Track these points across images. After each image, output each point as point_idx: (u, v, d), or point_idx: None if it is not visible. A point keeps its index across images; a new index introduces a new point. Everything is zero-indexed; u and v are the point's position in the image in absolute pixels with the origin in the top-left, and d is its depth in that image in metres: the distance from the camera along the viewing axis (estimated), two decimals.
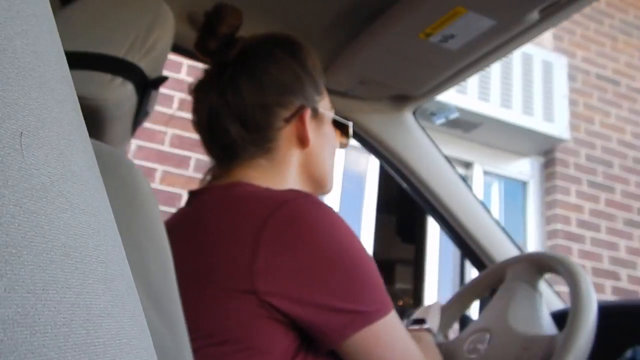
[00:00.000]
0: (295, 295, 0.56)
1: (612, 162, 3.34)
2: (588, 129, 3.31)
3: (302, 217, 0.58)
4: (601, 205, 3.21)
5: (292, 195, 0.61)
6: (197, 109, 0.73)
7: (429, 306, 0.94)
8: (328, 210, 0.61)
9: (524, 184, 3.20)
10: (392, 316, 0.61)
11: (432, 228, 2.90)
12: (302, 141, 0.72)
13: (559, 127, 3.11)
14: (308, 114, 0.72)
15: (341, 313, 0.57)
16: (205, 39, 0.73)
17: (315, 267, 0.57)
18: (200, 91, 0.73)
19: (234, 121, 0.69)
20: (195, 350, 0.48)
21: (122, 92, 0.53)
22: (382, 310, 0.60)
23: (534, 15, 0.82)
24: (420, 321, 0.88)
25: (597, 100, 3.39)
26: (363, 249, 0.62)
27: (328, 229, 0.59)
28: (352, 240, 0.61)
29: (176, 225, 0.65)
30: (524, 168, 3.20)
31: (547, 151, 3.21)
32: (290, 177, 0.73)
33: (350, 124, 0.82)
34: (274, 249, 0.56)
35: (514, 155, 3.18)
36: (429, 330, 0.86)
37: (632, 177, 3.36)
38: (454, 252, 2.87)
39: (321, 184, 0.77)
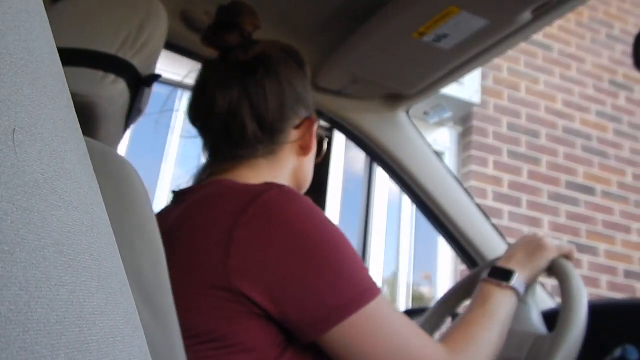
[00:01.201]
0: (268, 291, 0.55)
1: (539, 131, 3.06)
2: (512, 96, 3.05)
3: (274, 211, 0.58)
4: (523, 178, 2.93)
5: (266, 188, 0.60)
6: (211, 103, 0.71)
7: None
8: (302, 200, 0.61)
9: (439, 156, 3.06)
10: (376, 303, 0.58)
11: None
12: (304, 149, 0.76)
13: (468, 90, 2.79)
14: (316, 125, 0.77)
15: (316, 308, 0.56)
16: (224, 32, 0.74)
17: (287, 262, 0.56)
18: (219, 85, 0.72)
19: (252, 120, 0.70)
20: (185, 348, 0.48)
21: (115, 89, 0.53)
22: (361, 300, 0.57)
23: (527, 15, 0.82)
24: (508, 274, 0.75)
25: (525, 66, 3.14)
26: (338, 239, 0.60)
27: (301, 222, 0.58)
28: (326, 230, 0.60)
29: (168, 226, 0.65)
30: (442, 138, 2.93)
31: (464, 119, 2.94)
32: (280, 180, 0.74)
33: (326, 140, 0.84)
34: (247, 245, 0.56)
35: (432, 126, 2.92)
36: (513, 289, 0.73)
37: (561, 148, 3.08)
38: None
39: (301, 190, 0.80)
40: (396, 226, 2.91)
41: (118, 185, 0.45)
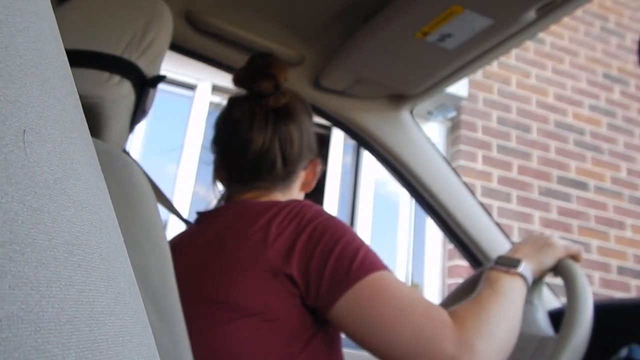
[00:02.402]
0: (298, 266, 0.67)
1: (530, 126, 3.02)
2: (502, 90, 3.01)
3: (303, 212, 0.72)
4: (513, 173, 2.88)
5: (293, 200, 0.75)
6: (246, 140, 0.83)
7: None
8: (320, 207, 0.75)
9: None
10: (382, 274, 0.67)
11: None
12: (305, 186, 0.90)
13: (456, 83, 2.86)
14: (319, 165, 0.91)
15: (331, 278, 0.66)
16: (260, 80, 0.85)
17: (311, 245, 0.68)
18: (255, 126, 0.84)
19: (280, 158, 0.84)
20: (229, 321, 0.64)
21: (120, 90, 0.53)
22: (367, 269, 0.66)
23: (531, 14, 0.82)
24: (515, 261, 0.75)
25: (516, 59, 3.09)
26: (350, 230, 0.72)
27: (321, 217, 0.72)
28: (340, 223, 0.72)
29: (187, 240, 0.80)
30: (431, 132, 2.88)
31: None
32: None
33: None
34: (281, 234, 0.69)
35: (420, 120, 2.86)
36: (521, 276, 0.73)
37: (552, 142, 3.04)
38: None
39: None
40: (394, 227, 2.91)
41: (123, 185, 0.45)
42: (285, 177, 0.85)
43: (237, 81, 0.89)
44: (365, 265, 0.67)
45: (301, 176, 0.88)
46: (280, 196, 0.85)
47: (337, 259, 0.67)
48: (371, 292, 0.65)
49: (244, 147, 0.83)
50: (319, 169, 0.91)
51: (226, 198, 0.88)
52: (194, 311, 0.63)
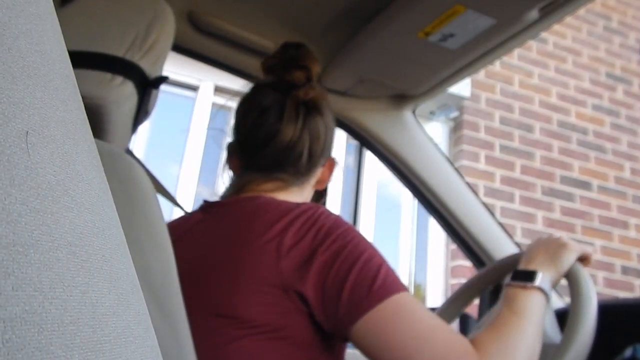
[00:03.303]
0: (314, 284, 0.64)
1: (533, 125, 3.00)
2: (505, 90, 2.99)
3: (321, 221, 0.69)
4: (516, 173, 2.86)
5: (314, 205, 0.72)
6: (274, 131, 0.80)
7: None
8: (338, 216, 0.72)
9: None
10: (402, 296, 0.65)
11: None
12: (320, 183, 0.88)
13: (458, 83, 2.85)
14: (335, 164, 0.89)
15: (350, 298, 0.63)
16: (295, 70, 0.83)
17: (329, 260, 0.65)
18: (285, 117, 0.81)
19: (307, 152, 0.81)
20: (238, 338, 0.62)
21: (122, 91, 0.53)
22: (387, 291, 0.64)
23: (534, 13, 0.82)
24: (531, 274, 0.74)
25: (519, 59, 3.08)
26: (369, 244, 0.68)
27: (340, 228, 0.68)
28: (359, 237, 0.69)
29: (188, 228, 0.76)
30: (433, 132, 2.85)
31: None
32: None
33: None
34: (295, 249, 0.65)
35: (423, 120, 2.84)
36: (540, 289, 0.72)
37: (555, 142, 3.02)
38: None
39: None
40: (397, 226, 2.91)
41: (125, 186, 0.45)
42: (306, 172, 0.83)
43: (267, 69, 0.86)
44: (387, 285, 0.64)
45: (319, 173, 0.87)
46: (297, 191, 0.83)
47: (357, 278, 0.64)
48: (392, 315, 0.63)
49: (271, 137, 0.80)
50: (335, 167, 0.89)
51: (238, 187, 0.83)
52: (201, 324, 0.61)
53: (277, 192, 0.80)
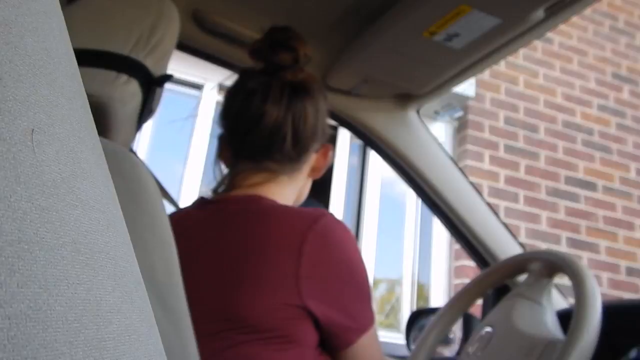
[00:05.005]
0: (326, 299, 0.68)
1: (538, 126, 2.98)
2: (510, 90, 2.97)
3: (333, 234, 0.70)
4: (521, 173, 2.85)
5: (321, 212, 0.72)
6: (259, 114, 0.78)
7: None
8: (348, 229, 0.73)
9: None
10: (375, 328, 0.73)
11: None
12: (315, 171, 0.85)
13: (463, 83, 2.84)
14: (330, 150, 0.86)
15: (352, 320, 0.70)
16: (280, 51, 0.81)
17: (337, 282, 0.69)
18: (269, 99, 0.78)
19: (291, 136, 0.78)
20: (246, 342, 0.63)
21: (127, 89, 0.53)
22: (371, 322, 0.72)
23: (539, 13, 0.82)
24: None
25: (524, 59, 3.05)
26: (365, 270, 0.73)
27: (351, 249, 0.72)
28: (362, 262, 0.73)
29: (188, 226, 0.74)
30: (437, 132, 2.83)
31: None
32: (292, 197, 0.83)
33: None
34: (313, 259, 0.68)
35: (427, 119, 2.78)
36: None
37: (560, 142, 3.00)
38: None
39: (297, 204, 0.88)
40: (400, 226, 2.91)
41: (130, 184, 0.45)
42: (295, 157, 0.79)
43: (253, 52, 0.84)
44: (371, 315, 0.72)
45: (311, 160, 0.83)
46: (287, 181, 0.80)
47: (357, 306, 0.70)
48: (373, 343, 0.72)
49: (256, 120, 0.77)
50: (330, 154, 0.86)
51: (229, 180, 0.82)
52: (207, 327, 0.61)
53: (267, 185, 0.78)
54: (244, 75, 0.83)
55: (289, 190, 0.81)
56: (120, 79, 0.53)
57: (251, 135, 0.78)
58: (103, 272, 0.18)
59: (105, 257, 0.18)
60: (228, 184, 0.82)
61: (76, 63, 0.22)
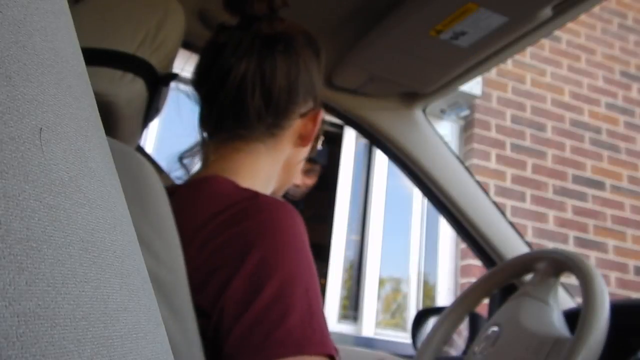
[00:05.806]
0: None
1: (545, 124, 2.96)
2: (517, 89, 2.95)
3: (280, 226, 0.57)
4: (528, 172, 2.83)
5: (271, 200, 0.59)
6: (225, 69, 0.68)
7: None
8: (300, 221, 0.59)
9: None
10: None
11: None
12: (303, 139, 0.72)
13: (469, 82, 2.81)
14: (320, 116, 0.74)
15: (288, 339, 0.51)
16: (252, 0, 0.71)
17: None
18: (236, 53, 0.69)
19: (260, 94, 0.67)
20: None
21: (133, 88, 0.53)
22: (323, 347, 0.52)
23: (547, 11, 0.81)
24: None
25: (531, 58, 3.03)
26: (316, 280, 0.57)
27: (299, 244, 0.57)
28: (311, 270, 0.57)
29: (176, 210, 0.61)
30: (443, 131, 2.81)
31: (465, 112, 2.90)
32: (272, 169, 0.71)
33: (322, 139, 0.80)
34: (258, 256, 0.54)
35: (433, 118, 2.80)
36: None
37: (568, 141, 2.98)
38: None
39: (287, 183, 0.76)
40: (406, 227, 2.90)
41: (135, 184, 0.45)
42: (271, 122, 0.68)
43: (227, 3, 0.74)
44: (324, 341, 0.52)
45: (295, 126, 0.71)
46: (264, 150, 0.69)
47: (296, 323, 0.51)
48: None
49: (224, 76, 0.68)
50: (320, 119, 0.73)
51: (204, 157, 0.72)
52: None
53: (234, 159, 0.68)
54: (218, 29, 0.74)
55: (266, 160, 0.70)
56: (126, 78, 0.53)
57: (219, 95, 0.69)
58: (110, 270, 0.18)
59: (112, 255, 0.18)
60: (203, 161, 0.72)
61: (84, 62, 0.22)
